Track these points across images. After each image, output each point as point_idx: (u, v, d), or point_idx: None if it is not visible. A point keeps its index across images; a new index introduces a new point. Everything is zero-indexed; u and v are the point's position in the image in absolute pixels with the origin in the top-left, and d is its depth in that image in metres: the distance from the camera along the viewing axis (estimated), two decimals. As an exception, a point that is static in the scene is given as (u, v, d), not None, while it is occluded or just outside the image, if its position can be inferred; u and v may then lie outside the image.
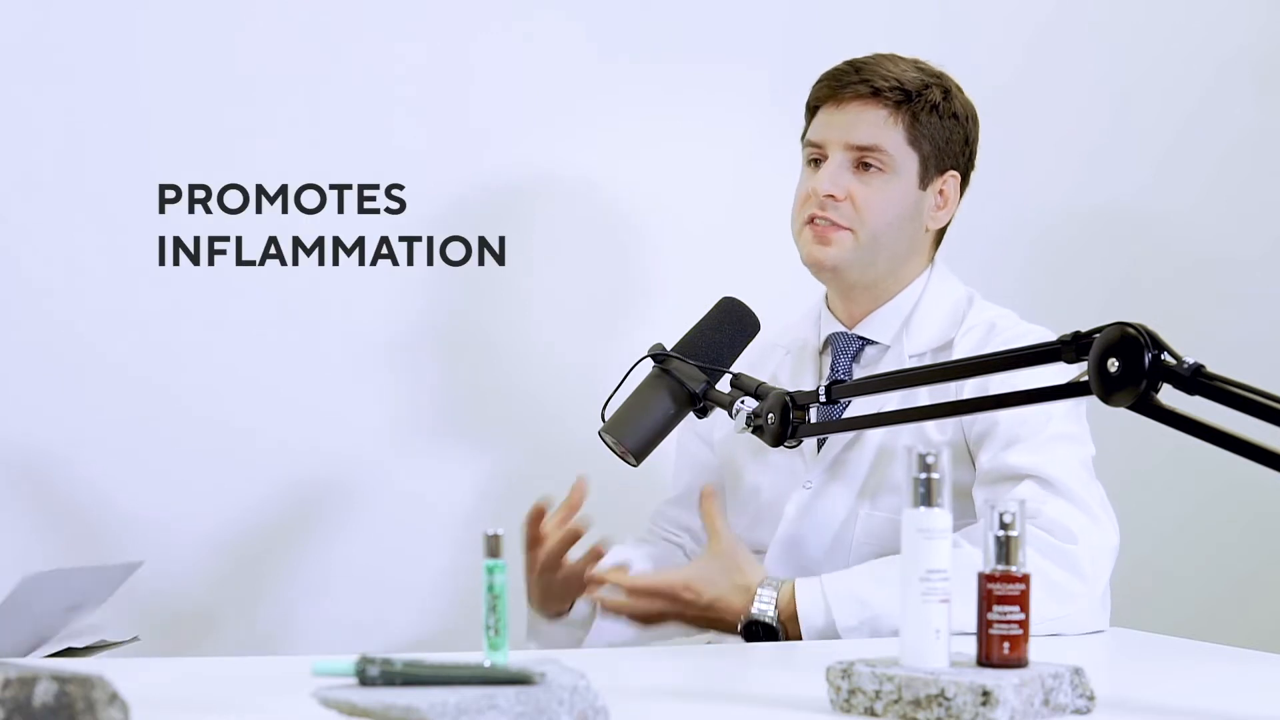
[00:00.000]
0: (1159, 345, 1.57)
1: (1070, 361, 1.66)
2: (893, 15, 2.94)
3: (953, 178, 2.30)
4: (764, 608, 2.07)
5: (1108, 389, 1.59)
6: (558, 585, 2.23)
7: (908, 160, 2.26)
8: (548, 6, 2.84)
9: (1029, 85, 3.01)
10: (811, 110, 2.32)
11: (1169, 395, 1.58)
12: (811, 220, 2.26)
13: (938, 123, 2.27)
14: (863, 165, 2.25)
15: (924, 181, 2.27)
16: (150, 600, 2.71)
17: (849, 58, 2.31)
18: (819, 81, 2.30)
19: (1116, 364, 1.58)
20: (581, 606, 2.27)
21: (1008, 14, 3.01)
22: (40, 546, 2.68)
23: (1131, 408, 1.59)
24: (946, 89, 2.29)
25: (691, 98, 2.88)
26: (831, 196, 2.24)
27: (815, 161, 2.28)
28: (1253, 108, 3.10)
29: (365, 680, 1.37)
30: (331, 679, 1.38)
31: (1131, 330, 1.58)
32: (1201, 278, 3.08)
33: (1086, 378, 1.62)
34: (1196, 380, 1.55)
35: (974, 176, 2.37)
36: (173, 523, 2.71)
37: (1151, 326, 1.58)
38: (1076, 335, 1.64)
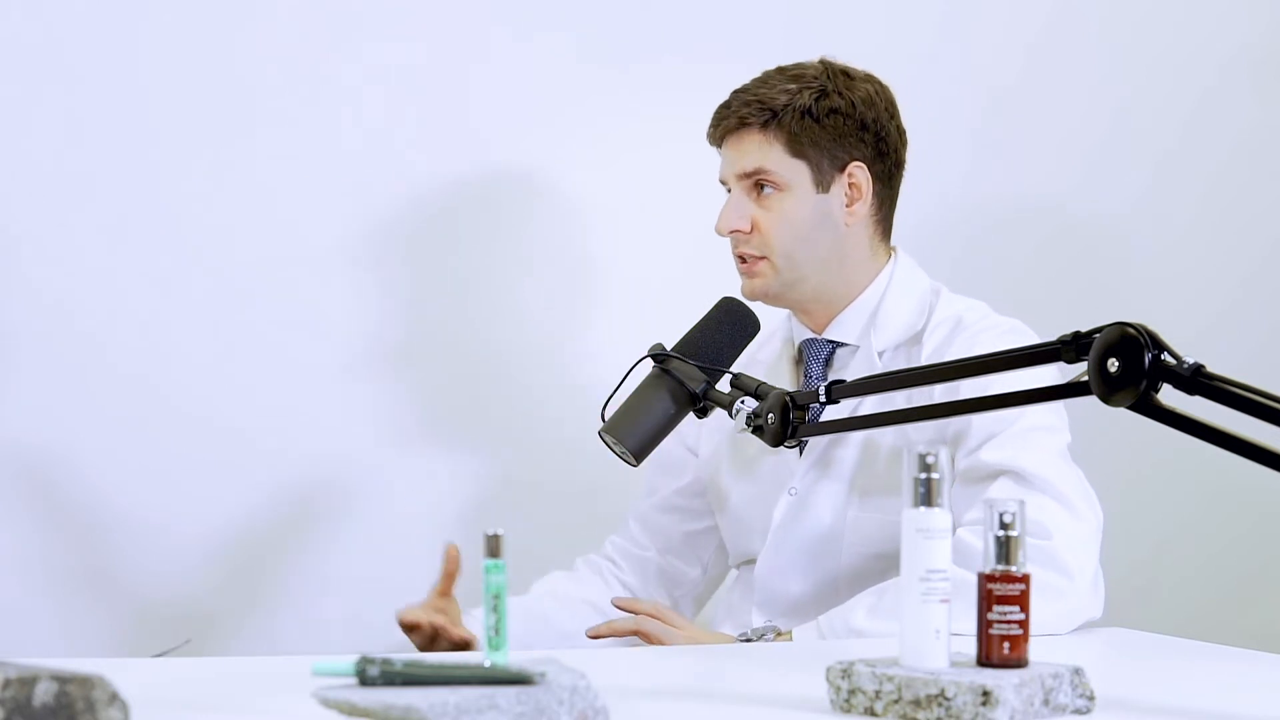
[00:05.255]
0: (1159, 345, 1.57)
1: (1070, 361, 1.66)
2: (893, 15, 2.94)
3: (858, 168, 2.27)
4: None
5: (1108, 389, 1.59)
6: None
7: (796, 172, 2.26)
8: (547, 8, 2.85)
9: (1030, 87, 3.01)
10: (717, 150, 2.35)
11: (1169, 395, 1.58)
12: (740, 259, 2.30)
13: (815, 126, 2.25)
14: (759, 190, 2.27)
15: (822, 184, 2.26)
16: (150, 601, 2.71)
17: (854, 59, 2.32)
18: (708, 123, 2.33)
19: (1116, 364, 1.58)
20: None
21: (1008, 15, 3.01)
22: (40, 546, 2.68)
23: (1131, 408, 1.59)
24: (821, 89, 2.26)
25: (691, 98, 2.86)
26: (738, 231, 2.27)
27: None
28: (1253, 108, 3.10)
29: (365, 680, 1.37)
30: (331, 679, 1.39)
31: (1131, 330, 1.58)
32: (1201, 277, 3.09)
33: (1086, 377, 1.62)
34: (1196, 380, 1.55)
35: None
36: (172, 523, 2.71)
37: (1151, 326, 1.58)
38: (1076, 335, 1.64)
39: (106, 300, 2.70)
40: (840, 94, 2.27)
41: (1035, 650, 1.51)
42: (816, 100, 2.25)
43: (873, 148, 2.28)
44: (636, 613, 2.19)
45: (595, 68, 2.86)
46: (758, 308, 2.22)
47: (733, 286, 2.26)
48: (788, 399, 1.96)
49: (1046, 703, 1.47)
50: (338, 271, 2.78)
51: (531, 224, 2.85)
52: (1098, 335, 1.61)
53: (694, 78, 2.87)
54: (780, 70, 2.30)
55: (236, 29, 2.73)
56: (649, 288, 2.87)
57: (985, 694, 1.42)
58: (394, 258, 2.79)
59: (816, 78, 2.28)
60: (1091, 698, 1.50)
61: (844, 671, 1.50)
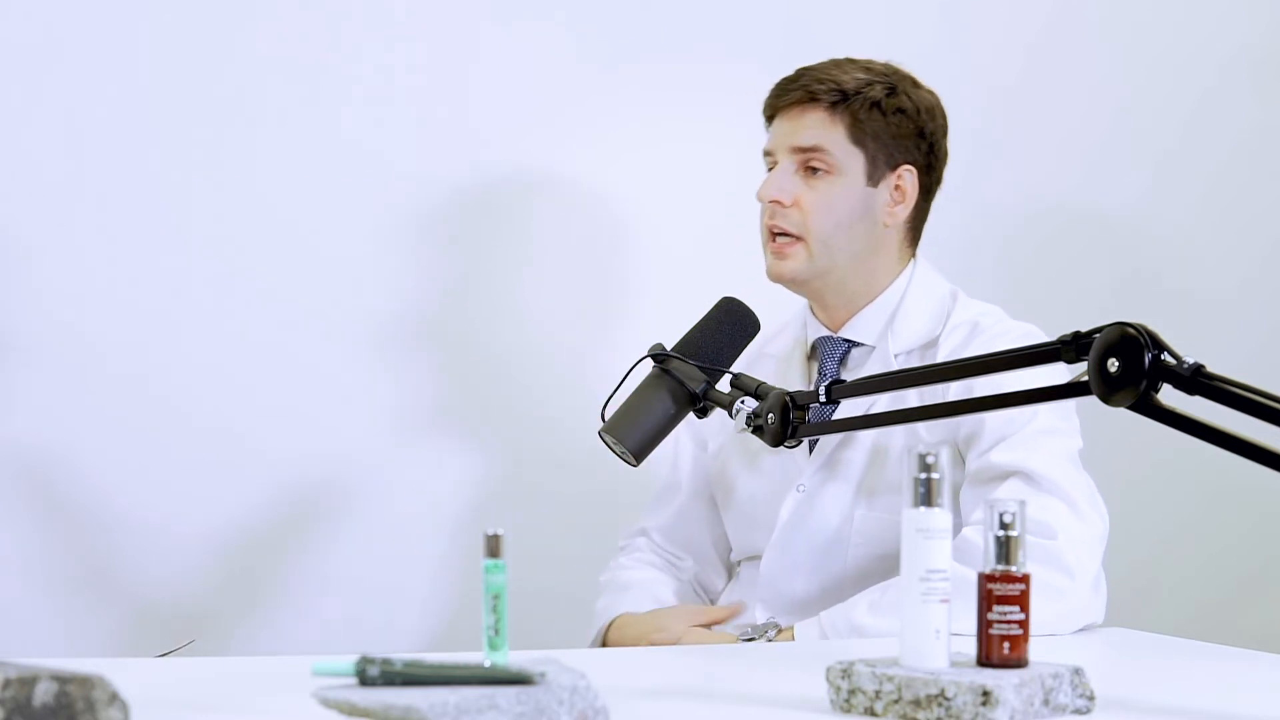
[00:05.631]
0: (1159, 345, 1.57)
1: (1070, 361, 1.66)
2: (893, 16, 2.94)
3: (908, 172, 2.29)
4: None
5: (1108, 389, 1.59)
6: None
7: (852, 159, 2.26)
8: (547, 8, 2.84)
9: (1030, 87, 3.01)
10: (768, 121, 2.34)
11: (1169, 395, 1.58)
12: (771, 235, 2.29)
13: (881, 119, 2.27)
14: (809, 169, 2.27)
15: (873, 178, 2.27)
16: (150, 601, 2.71)
17: (830, 59, 2.33)
18: (768, 93, 2.32)
19: (1116, 364, 1.58)
20: None
21: (1008, 15, 3.01)
22: (40, 546, 2.68)
23: (1132, 408, 1.59)
24: (892, 86, 2.28)
25: (690, 98, 2.88)
26: (778, 202, 2.27)
27: (770, 171, 2.31)
28: (1253, 108, 3.10)
29: (365, 680, 1.37)
30: (331, 679, 1.38)
31: (1131, 330, 1.58)
32: (1202, 277, 3.09)
33: (1086, 377, 1.62)
34: (1196, 380, 1.55)
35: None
36: (172, 523, 2.71)
37: (1152, 326, 1.58)
38: (1076, 335, 1.63)
39: (106, 300, 2.70)
40: (908, 96, 2.29)
41: (1035, 650, 1.51)
42: (887, 95, 2.27)
43: (924, 157, 2.30)
44: None
45: (596, 68, 2.86)
46: (759, 308, 2.21)
47: (733, 286, 2.25)
48: (788, 399, 1.96)
49: (1046, 703, 1.47)
50: (337, 272, 2.77)
51: (532, 224, 2.85)
52: (1097, 335, 1.61)
53: (694, 78, 2.87)
54: (850, 60, 2.31)
55: (236, 29, 2.73)
56: (649, 287, 2.86)
57: (985, 694, 1.42)
58: (393, 258, 2.79)
59: (888, 75, 2.30)
60: (1091, 698, 1.50)
61: (844, 671, 1.50)
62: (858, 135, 2.26)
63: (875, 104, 2.26)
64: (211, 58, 2.72)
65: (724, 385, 2.10)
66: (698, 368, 2.11)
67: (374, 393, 2.79)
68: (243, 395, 2.74)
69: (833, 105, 2.26)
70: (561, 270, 2.85)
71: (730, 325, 2.18)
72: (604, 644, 2.31)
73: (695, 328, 2.18)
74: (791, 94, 2.28)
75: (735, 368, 2.14)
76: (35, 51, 2.67)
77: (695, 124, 2.88)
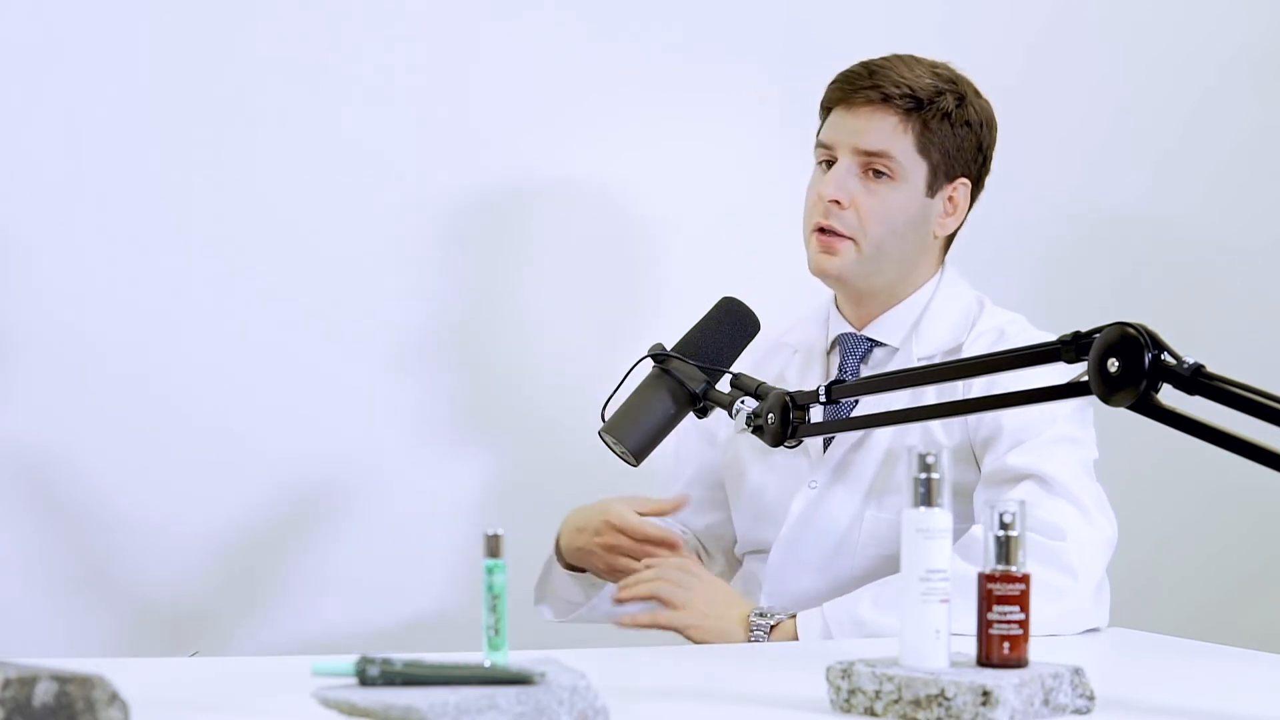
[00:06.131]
0: (1159, 345, 1.57)
1: (1070, 361, 1.66)
2: (894, 16, 2.94)
3: (963, 185, 2.28)
4: (760, 636, 2.12)
5: (1108, 389, 1.59)
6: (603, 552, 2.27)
7: (916, 168, 2.25)
8: (550, 6, 2.84)
9: (1030, 87, 3.00)
10: (825, 111, 2.31)
11: (1169, 395, 1.58)
12: (819, 229, 2.26)
13: (949, 130, 2.25)
14: (871, 171, 2.24)
15: (932, 189, 2.26)
16: (150, 601, 2.71)
17: (854, 59, 2.30)
18: (832, 82, 2.29)
19: (1116, 364, 1.58)
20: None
21: (1008, 16, 3.01)
22: (40, 546, 2.68)
23: (1131, 408, 1.59)
24: (961, 95, 2.26)
25: (693, 99, 2.88)
26: (836, 202, 2.24)
27: (826, 164, 2.28)
28: (1253, 108, 3.10)
29: (365, 680, 1.37)
30: (331, 679, 1.39)
31: (1131, 330, 1.58)
32: (1203, 278, 3.08)
33: (1087, 378, 1.62)
34: (1196, 380, 1.55)
35: (987, 180, 2.36)
36: (172, 523, 2.71)
37: (1153, 327, 1.58)
38: (1077, 335, 1.64)
39: (106, 300, 2.70)
40: (974, 108, 2.28)
41: (1035, 650, 1.51)
42: (958, 106, 2.25)
43: (978, 170, 2.30)
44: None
45: (596, 68, 2.86)
46: (760, 308, 2.21)
47: (734, 286, 2.25)
48: (787, 399, 1.96)
49: (1046, 703, 1.47)
50: (337, 272, 2.77)
51: (532, 224, 2.85)
52: (1098, 335, 1.61)
53: (694, 78, 2.87)
54: (915, 58, 2.28)
55: (236, 29, 2.73)
56: (649, 287, 2.86)
57: (985, 694, 1.42)
58: (393, 258, 2.79)
59: (955, 82, 2.28)
60: (1091, 698, 1.50)
61: (844, 671, 1.50)
62: (924, 145, 2.24)
63: (946, 115, 2.24)
64: (211, 58, 2.72)
65: (724, 385, 2.10)
66: (698, 368, 2.11)
67: (374, 393, 2.79)
68: (243, 395, 2.74)
69: (906, 112, 2.23)
70: (562, 270, 2.85)
71: (730, 325, 2.18)
72: (559, 547, 2.33)
73: (695, 328, 2.18)
74: (864, 92, 2.23)
75: (747, 359, 2.14)
76: (35, 51, 2.66)
77: (696, 124, 2.88)
